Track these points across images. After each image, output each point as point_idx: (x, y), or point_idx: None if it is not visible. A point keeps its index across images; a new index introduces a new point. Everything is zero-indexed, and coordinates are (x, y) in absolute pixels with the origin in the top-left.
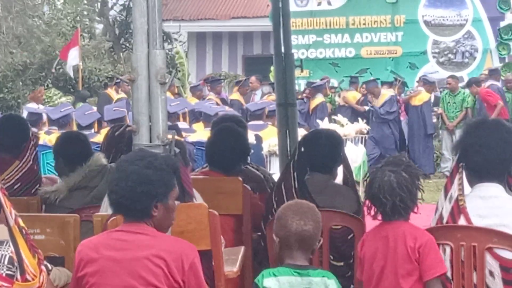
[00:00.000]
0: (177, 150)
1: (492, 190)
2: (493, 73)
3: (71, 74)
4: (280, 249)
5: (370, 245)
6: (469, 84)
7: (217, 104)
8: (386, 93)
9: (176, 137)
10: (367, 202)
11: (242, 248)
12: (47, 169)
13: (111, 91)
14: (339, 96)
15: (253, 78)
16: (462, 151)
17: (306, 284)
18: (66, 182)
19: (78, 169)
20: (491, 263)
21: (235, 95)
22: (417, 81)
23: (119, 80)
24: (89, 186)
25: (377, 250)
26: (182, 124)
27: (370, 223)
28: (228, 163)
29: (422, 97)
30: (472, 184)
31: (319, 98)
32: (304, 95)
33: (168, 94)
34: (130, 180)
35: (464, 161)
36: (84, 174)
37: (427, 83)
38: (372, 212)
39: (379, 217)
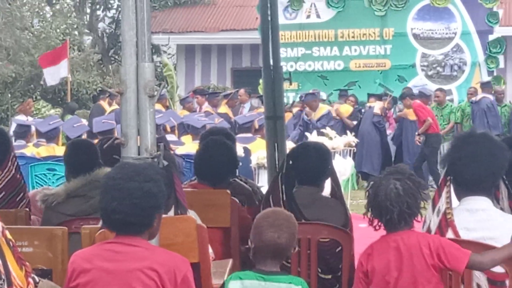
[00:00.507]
0: (165, 163)
1: (480, 203)
2: (485, 86)
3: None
4: (253, 254)
5: (381, 258)
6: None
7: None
8: (324, 107)
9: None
10: (369, 213)
11: (230, 261)
12: (36, 182)
13: (104, 103)
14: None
15: (242, 91)
16: (450, 164)
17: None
18: (66, 187)
19: (81, 177)
20: (479, 276)
21: (224, 108)
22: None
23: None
24: (88, 195)
25: (389, 262)
26: (170, 137)
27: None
28: (217, 176)
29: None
30: (459, 197)
31: (324, 107)
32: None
33: (159, 106)
34: (134, 197)
35: (452, 174)
36: (85, 182)
37: (424, 96)
38: (375, 223)
39: (380, 228)
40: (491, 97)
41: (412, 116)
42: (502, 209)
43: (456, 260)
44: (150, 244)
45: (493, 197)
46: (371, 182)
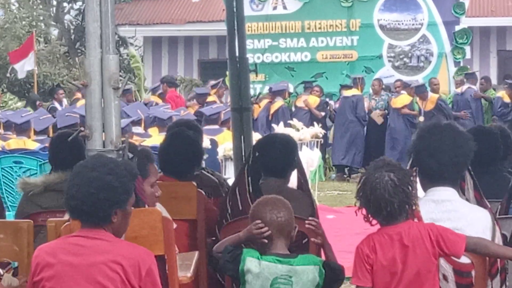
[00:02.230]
0: (130, 155)
1: (445, 194)
2: (470, 77)
3: (22, 75)
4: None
5: (385, 251)
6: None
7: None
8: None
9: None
10: (364, 209)
11: (196, 253)
12: (2, 174)
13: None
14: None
15: (211, 82)
16: (415, 155)
17: (285, 271)
18: (45, 179)
19: (62, 171)
20: (445, 267)
21: (212, 97)
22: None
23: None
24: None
25: (394, 255)
26: (137, 129)
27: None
28: (181, 168)
29: (403, 100)
30: (425, 188)
31: (278, 102)
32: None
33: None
34: (92, 186)
35: (417, 165)
36: (64, 178)
37: (407, 87)
38: (371, 218)
39: (376, 223)
40: (475, 88)
41: (396, 104)
42: (467, 200)
43: (455, 245)
44: (114, 237)
45: (459, 187)
46: (363, 178)
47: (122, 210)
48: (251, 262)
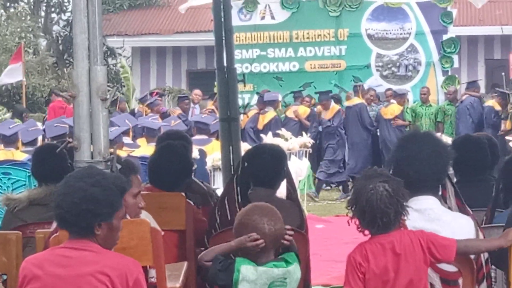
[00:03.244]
0: (119, 166)
1: (427, 202)
2: (472, 86)
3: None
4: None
5: (378, 260)
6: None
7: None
8: (336, 106)
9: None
10: (357, 220)
11: (185, 264)
12: None
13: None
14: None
15: (197, 91)
16: (395, 165)
17: (281, 274)
18: (30, 193)
19: (48, 186)
20: (432, 276)
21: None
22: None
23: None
24: (50, 205)
25: (387, 264)
26: (126, 140)
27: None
28: (170, 181)
29: (393, 110)
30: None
31: (271, 113)
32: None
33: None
34: (75, 196)
35: (398, 175)
36: (48, 191)
37: (397, 96)
38: (365, 227)
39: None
40: (475, 97)
41: (387, 115)
42: (449, 208)
43: (446, 250)
44: (101, 248)
45: (440, 196)
46: (356, 189)
47: (107, 223)
48: (247, 270)
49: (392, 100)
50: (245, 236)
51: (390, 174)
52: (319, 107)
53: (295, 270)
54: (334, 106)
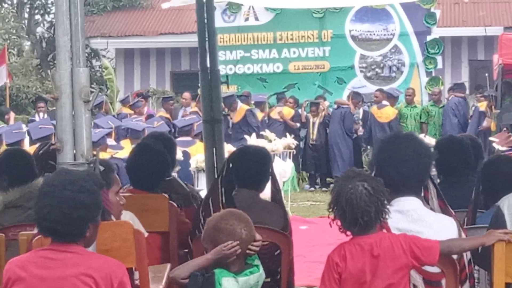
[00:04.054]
0: (102, 168)
1: (410, 203)
2: (458, 88)
3: None
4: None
5: (355, 261)
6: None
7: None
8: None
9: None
10: (338, 221)
11: (168, 266)
12: None
13: None
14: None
15: (186, 94)
16: (377, 166)
17: (256, 280)
18: (4, 198)
19: (20, 187)
20: (415, 277)
21: (195, 109)
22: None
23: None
24: (25, 206)
25: (364, 266)
26: (109, 141)
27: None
28: (149, 181)
29: (388, 114)
30: (389, 199)
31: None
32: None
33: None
34: (64, 207)
35: (380, 176)
36: (22, 193)
37: (391, 97)
38: (347, 228)
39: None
40: (460, 98)
41: (381, 119)
42: (432, 209)
43: (430, 252)
44: (85, 250)
45: (423, 198)
46: (335, 190)
47: (94, 223)
48: (228, 282)
49: (384, 102)
50: (221, 246)
51: (369, 174)
52: None
53: (263, 272)
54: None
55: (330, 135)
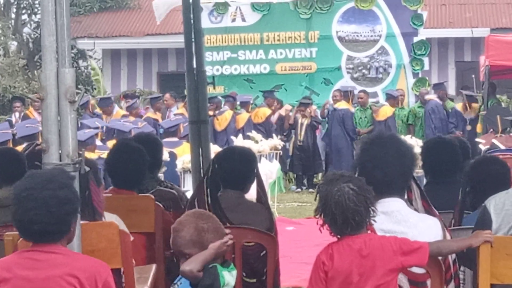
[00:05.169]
0: (87, 169)
1: (394, 204)
2: (438, 88)
3: None
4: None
5: (343, 260)
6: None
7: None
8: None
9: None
10: (328, 226)
11: (154, 266)
12: None
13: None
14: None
15: (167, 95)
16: (361, 168)
17: (235, 275)
18: None
19: (8, 187)
20: (400, 278)
21: (181, 110)
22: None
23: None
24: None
25: (351, 266)
26: (97, 142)
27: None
28: (128, 179)
29: (386, 112)
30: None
31: (245, 114)
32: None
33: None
34: (50, 205)
35: (364, 177)
36: (11, 192)
37: (391, 98)
38: (339, 232)
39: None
40: (438, 100)
41: (379, 117)
42: (416, 209)
43: (419, 254)
44: (69, 250)
45: (406, 199)
46: (322, 194)
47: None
48: (227, 276)
49: (385, 102)
50: (221, 241)
51: (351, 174)
52: None
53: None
54: None
55: (331, 139)
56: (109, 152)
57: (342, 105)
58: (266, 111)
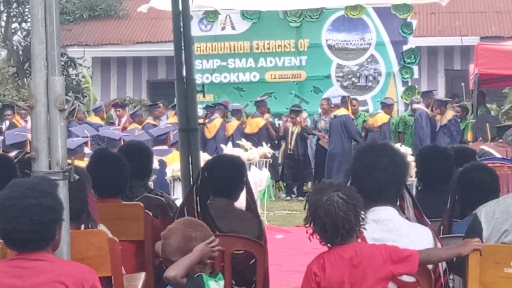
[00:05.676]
0: (77, 177)
1: (385, 213)
2: (426, 96)
3: None
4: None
5: (334, 270)
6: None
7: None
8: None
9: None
10: (318, 235)
11: (143, 274)
12: None
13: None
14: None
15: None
16: (353, 175)
17: (222, 285)
18: None
19: None
20: (390, 286)
21: (173, 119)
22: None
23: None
24: None
25: (343, 275)
26: (86, 150)
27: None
28: (109, 189)
29: (381, 118)
30: (365, 208)
31: (234, 122)
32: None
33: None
34: (33, 214)
35: (356, 186)
36: None
37: (385, 106)
38: (329, 241)
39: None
40: (424, 108)
41: (377, 123)
42: (407, 218)
43: (409, 262)
44: (55, 257)
45: (398, 207)
46: (311, 204)
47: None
48: (213, 285)
49: (380, 110)
50: (204, 243)
51: (341, 182)
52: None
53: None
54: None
55: (331, 148)
56: (88, 162)
57: (342, 111)
58: (260, 121)
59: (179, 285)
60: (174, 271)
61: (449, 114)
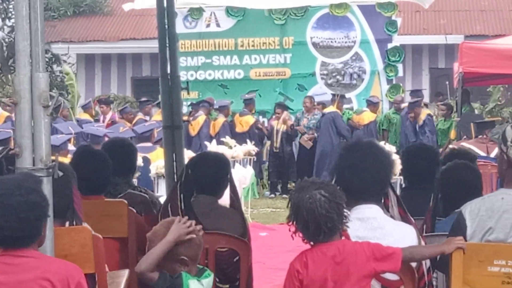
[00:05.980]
0: (61, 173)
1: (370, 211)
2: (414, 94)
3: None
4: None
5: (317, 268)
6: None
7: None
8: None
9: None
10: (301, 233)
11: (127, 271)
12: None
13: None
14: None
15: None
16: (338, 173)
17: (211, 282)
18: None
19: None
20: (373, 284)
21: (158, 116)
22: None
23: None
24: None
25: (326, 273)
26: (70, 147)
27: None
28: (91, 186)
29: (368, 116)
30: (349, 206)
31: (221, 119)
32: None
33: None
34: (19, 211)
35: (341, 184)
36: None
37: (371, 104)
38: (311, 238)
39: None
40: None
41: (364, 121)
42: (392, 216)
43: (392, 260)
44: (41, 253)
45: (383, 205)
46: (293, 202)
47: (46, 220)
48: (194, 284)
49: (365, 108)
50: (176, 225)
51: (323, 180)
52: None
53: (212, 275)
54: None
55: (319, 146)
56: (71, 159)
57: (330, 109)
58: (249, 119)
59: (151, 281)
60: (143, 265)
61: (423, 114)
